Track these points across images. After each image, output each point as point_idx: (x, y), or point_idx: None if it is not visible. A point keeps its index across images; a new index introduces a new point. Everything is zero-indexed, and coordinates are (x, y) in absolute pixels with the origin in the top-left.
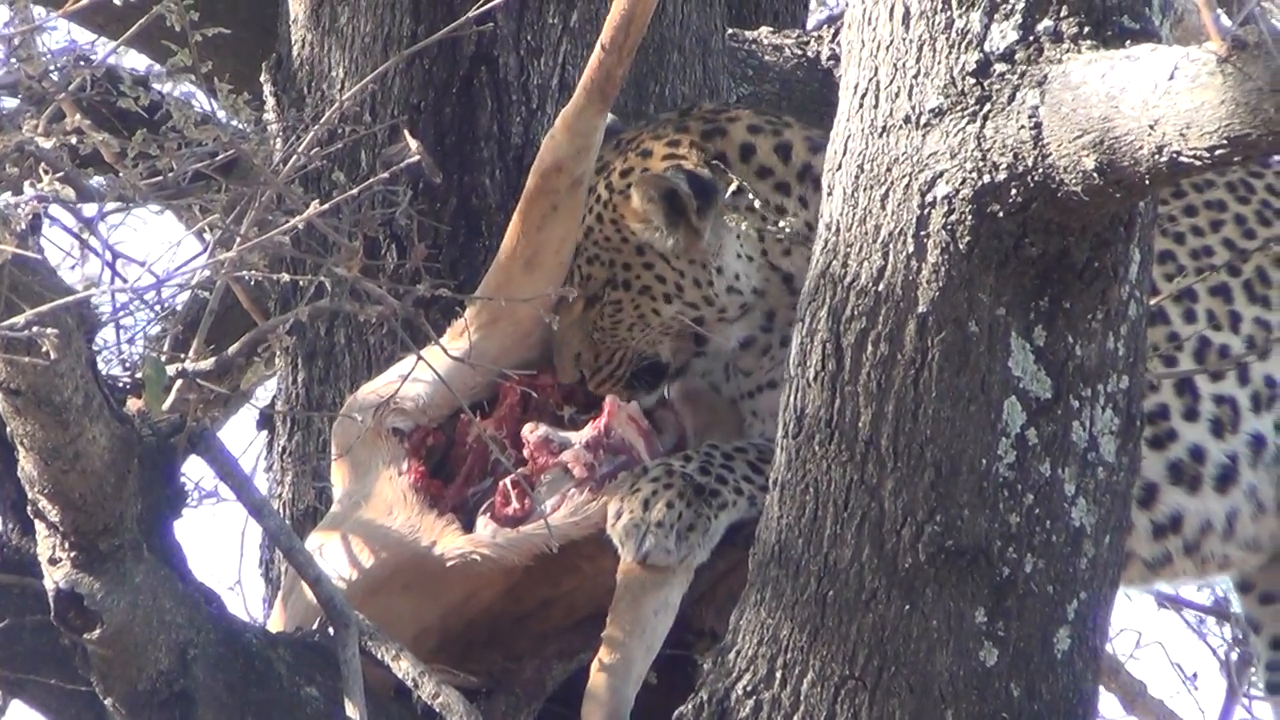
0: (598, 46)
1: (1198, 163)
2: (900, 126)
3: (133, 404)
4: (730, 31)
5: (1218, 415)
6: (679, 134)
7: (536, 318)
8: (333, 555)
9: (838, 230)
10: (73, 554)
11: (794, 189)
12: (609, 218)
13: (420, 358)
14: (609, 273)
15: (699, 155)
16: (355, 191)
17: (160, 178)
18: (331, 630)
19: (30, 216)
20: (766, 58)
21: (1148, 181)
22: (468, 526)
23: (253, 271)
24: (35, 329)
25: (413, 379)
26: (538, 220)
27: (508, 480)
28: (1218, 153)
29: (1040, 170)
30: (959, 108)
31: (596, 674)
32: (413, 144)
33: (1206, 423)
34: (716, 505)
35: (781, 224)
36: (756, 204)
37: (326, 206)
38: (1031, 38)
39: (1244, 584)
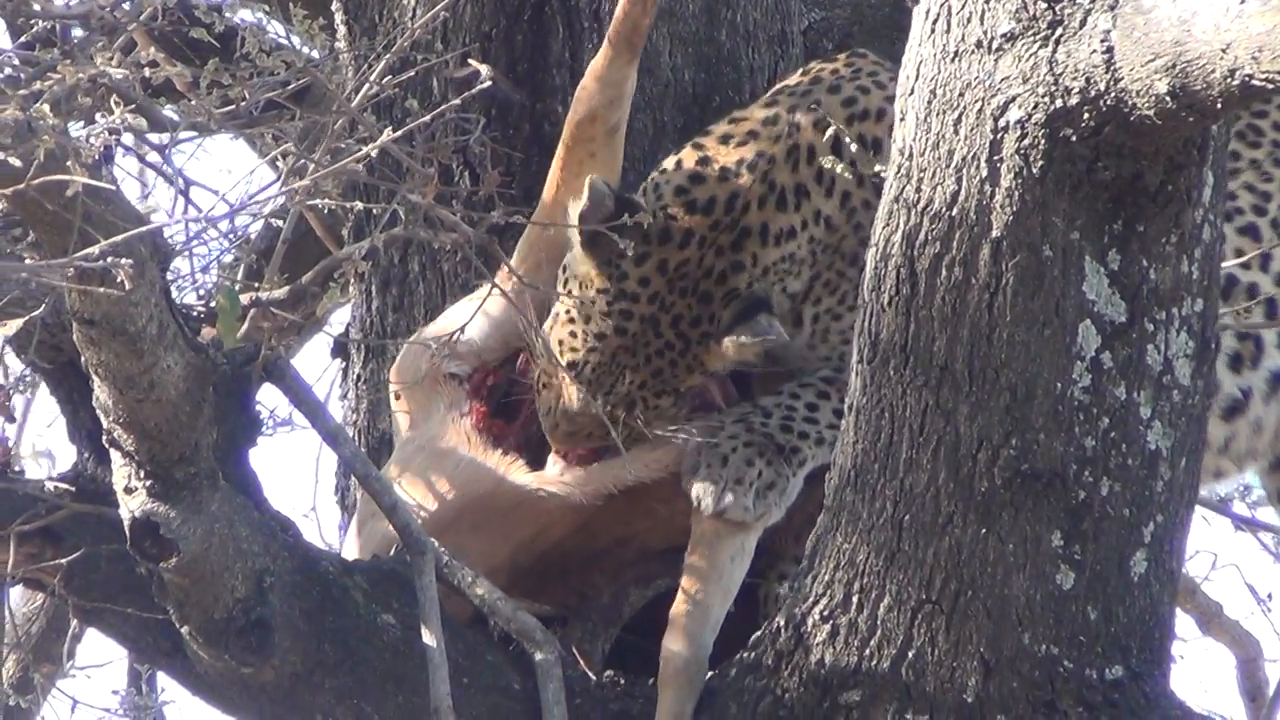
0: None
1: (1270, 86)
2: (972, 51)
3: (207, 333)
4: None
5: (1238, 350)
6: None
7: None
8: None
9: (911, 155)
10: (148, 483)
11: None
12: (685, 364)
13: (495, 285)
14: (675, 398)
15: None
16: (429, 118)
17: (233, 106)
18: (408, 557)
19: (102, 148)
20: None
21: (1220, 105)
22: (534, 465)
23: (326, 200)
24: (110, 259)
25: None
26: (576, 168)
27: None
28: None
29: (1112, 94)
30: (1031, 32)
31: (674, 620)
32: (484, 69)
33: (1224, 356)
34: (796, 463)
35: (878, 168)
36: (853, 148)
37: (400, 133)
38: None
39: None
